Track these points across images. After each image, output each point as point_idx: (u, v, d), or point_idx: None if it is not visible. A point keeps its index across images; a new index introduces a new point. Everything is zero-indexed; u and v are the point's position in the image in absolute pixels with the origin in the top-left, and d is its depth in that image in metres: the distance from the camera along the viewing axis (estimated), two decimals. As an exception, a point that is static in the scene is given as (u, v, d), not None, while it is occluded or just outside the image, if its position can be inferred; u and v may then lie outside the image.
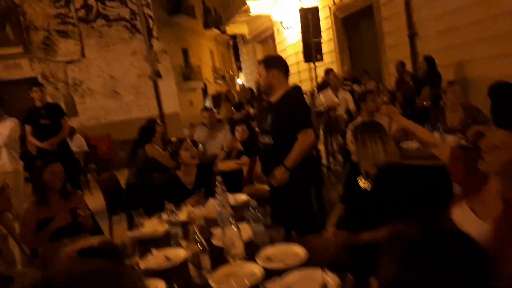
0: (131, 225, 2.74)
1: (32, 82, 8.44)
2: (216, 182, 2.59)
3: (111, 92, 8.99)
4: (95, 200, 4.99)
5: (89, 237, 2.68)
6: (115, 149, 8.13)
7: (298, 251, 1.86)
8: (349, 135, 3.35)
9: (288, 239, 2.16)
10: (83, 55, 8.68)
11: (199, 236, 1.77)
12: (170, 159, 4.47)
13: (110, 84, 8.95)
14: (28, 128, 5.10)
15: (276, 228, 2.09)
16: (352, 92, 6.61)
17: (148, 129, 4.37)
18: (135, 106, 9.10)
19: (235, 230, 1.88)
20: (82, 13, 8.67)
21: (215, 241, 2.11)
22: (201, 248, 1.77)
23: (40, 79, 8.55)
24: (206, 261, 1.76)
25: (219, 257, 1.87)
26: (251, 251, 1.91)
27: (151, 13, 9.09)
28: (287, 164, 2.65)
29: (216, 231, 2.19)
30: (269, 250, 1.89)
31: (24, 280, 2.16)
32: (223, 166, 4.10)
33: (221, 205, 2.28)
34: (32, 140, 5.12)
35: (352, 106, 6.07)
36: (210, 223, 2.37)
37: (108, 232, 4.13)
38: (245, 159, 4.13)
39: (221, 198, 2.41)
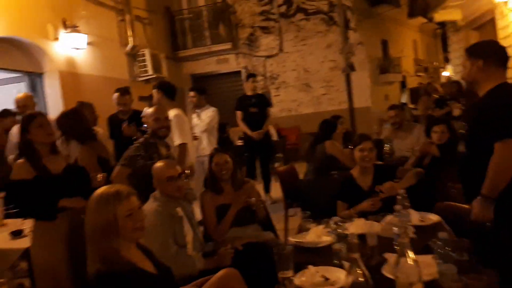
0: (299, 227, 2.55)
1: (235, 75, 9.39)
2: (398, 196, 2.15)
3: (304, 85, 9.16)
4: (277, 190, 5.09)
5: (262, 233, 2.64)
6: (303, 140, 8.25)
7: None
8: None
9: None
10: (281, 49, 9.09)
11: (362, 267, 1.41)
12: (351, 158, 4.13)
13: (303, 77, 9.13)
14: (239, 114, 5.60)
15: (477, 272, 1.53)
16: None
17: (329, 124, 4.14)
18: (326, 99, 9.04)
19: (414, 266, 1.44)
20: (283, 9, 9.06)
21: (386, 271, 1.70)
22: (363, 281, 1.41)
23: (243, 72, 9.37)
24: (368, 299, 1.39)
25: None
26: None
27: (350, 5, 8.81)
28: (484, 191, 1.97)
29: (390, 258, 1.77)
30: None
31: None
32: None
33: (401, 226, 1.83)
34: (243, 126, 5.59)
35: None
36: (384, 244, 1.96)
37: (284, 224, 4.10)
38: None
39: (402, 217, 1.97)
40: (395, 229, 1.89)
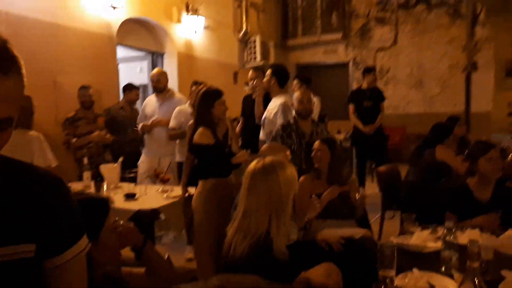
0: (401, 230, 2.40)
1: (342, 67, 9.11)
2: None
3: (416, 82, 8.52)
4: (374, 190, 4.88)
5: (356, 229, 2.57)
6: (408, 142, 7.75)
7: None
8: None
9: None
10: (395, 42, 8.54)
11: (479, 278, 1.26)
12: (464, 164, 3.76)
13: (417, 73, 8.48)
14: (351, 107, 5.56)
15: None
16: None
17: (444, 128, 3.81)
18: (439, 100, 8.30)
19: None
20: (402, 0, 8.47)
21: (504, 290, 1.51)
22: (478, 293, 1.27)
23: (351, 64, 9.06)
24: (482, 316, 1.25)
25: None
26: None
27: (481, -3, 7.92)
28: None
29: (509, 276, 1.58)
30: None
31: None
32: None
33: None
34: (355, 119, 5.54)
35: None
36: (503, 261, 1.76)
37: (379, 225, 3.93)
38: None
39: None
40: (519, 246, 1.68)
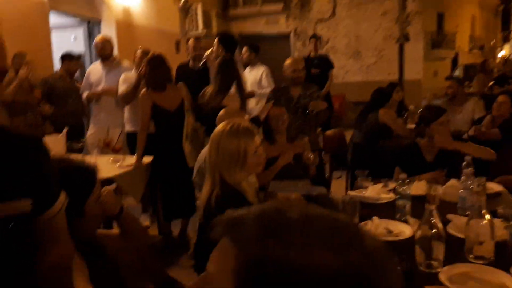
0: (352, 186, 2.58)
1: (284, 37, 9.22)
2: (465, 161, 2.12)
3: (354, 52, 8.89)
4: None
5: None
6: (347, 109, 8.12)
7: None
8: None
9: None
10: (334, 13, 8.79)
11: (437, 219, 1.42)
12: (405, 127, 4.06)
13: (354, 44, 8.84)
14: None
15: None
16: None
17: (383, 93, 4.05)
18: (375, 69, 8.76)
19: (487, 223, 1.45)
20: (340, -30, 8.69)
21: (452, 230, 1.71)
22: (435, 233, 1.43)
23: (292, 35, 9.18)
24: (440, 250, 1.41)
25: (452, 250, 1.50)
26: (501, 257, 1.45)
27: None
28: None
29: (455, 219, 1.78)
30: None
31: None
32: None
33: (467, 190, 1.82)
34: None
35: None
36: (447, 207, 1.97)
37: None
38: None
39: (468, 181, 1.95)
40: (462, 191, 1.89)
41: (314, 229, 0.48)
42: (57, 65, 4.85)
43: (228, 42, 3.88)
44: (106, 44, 4.10)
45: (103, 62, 4.12)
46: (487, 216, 1.45)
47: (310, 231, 0.48)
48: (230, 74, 3.38)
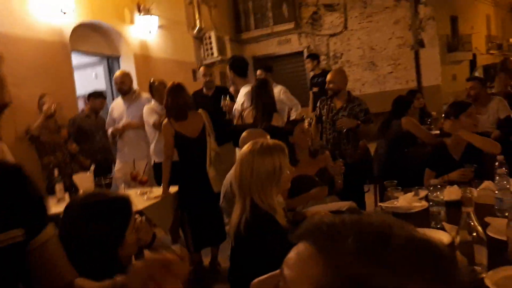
0: (383, 198, 2.54)
1: (297, 55, 9.31)
2: (497, 162, 2.07)
3: (369, 64, 8.86)
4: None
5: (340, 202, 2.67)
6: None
7: None
8: None
9: None
10: (345, 27, 8.83)
11: (476, 222, 1.38)
12: (429, 133, 3.99)
13: (369, 55, 8.83)
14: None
15: None
16: None
17: (404, 101, 4.02)
18: (392, 78, 8.69)
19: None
20: (348, -15, 8.77)
21: (492, 232, 1.65)
22: (476, 237, 1.38)
23: (305, 52, 9.25)
24: (482, 254, 1.36)
25: (495, 253, 1.44)
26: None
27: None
28: None
29: (494, 221, 1.72)
30: None
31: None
32: None
33: (504, 190, 1.77)
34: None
35: None
36: (483, 210, 1.91)
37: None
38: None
39: (503, 181, 1.89)
40: (498, 192, 1.83)
41: (416, 256, 0.46)
42: (80, 103, 5.03)
43: (237, 65, 3.95)
44: (125, 79, 4.23)
45: (123, 97, 4.24)
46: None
47: (413, 258, 0.45)
48: (269, 95, 3.59)
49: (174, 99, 3.26)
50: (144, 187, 3.43)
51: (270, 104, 3.57)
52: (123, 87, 4.20)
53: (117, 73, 4.35)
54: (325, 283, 0.44)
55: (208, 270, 3.45)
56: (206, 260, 3.51)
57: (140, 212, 2.95)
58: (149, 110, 3.90)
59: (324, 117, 3.75)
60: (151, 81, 4.03)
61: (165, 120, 3.33)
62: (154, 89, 3.92)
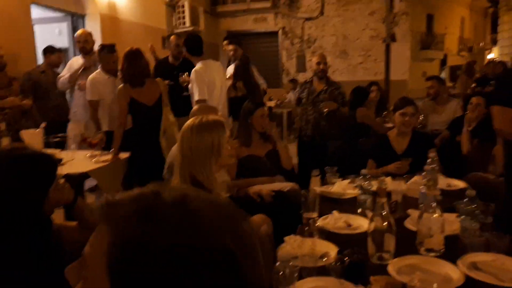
0: (323, 182, 2.61)
1: (272, 35, 9.24)
2: (429, 158, 2.16)
3: (340, 52, 8.92)
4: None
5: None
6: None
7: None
8: None
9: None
10: (322, 12, 8.80)
11: (387, 211, 1.45)
12: (383, 125, 4.11)
13: (341, 43, 8.88)
14: None
15: (498, 234, 1.55)
16: None
17: (360, 92, 4.12)
18: (362, 69, 8.81)
19: (437, 217, 1.48)
20: (328, -30, 8.70)
21: (408, 224, 1.74)
22: (387, 226, 1.46)
23: (280, 33, 9.21)
24: (390, 242, 1.44)
25: (406, 243, 1.53)
26: (451, 250, 1.49)
27: (399, -29, 8.38)
28: None
29: (413, 213, 1.81)
30: (480, 256, 1.42)
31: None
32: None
33: (427, 185, 1.86)
34: None
35: None
36: (409, 202, 2.01)
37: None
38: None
39: (430, 177, 1.99)
40: (422, 186, 1.92)
41: (189, 212, 0.49)
42: (41, 59, 4.82)
43: (193, 45, 3.81)
44: (88, 37, 4.08)
45: (84, 56, 4.09)
46: (438, 210, 1.48)
47: (186, 214, 0.48)
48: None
49: (131, 65, 3.18)
50: (94, 150, 3.37)
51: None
52: (86, 46, 4.04)
53: (80, 31, 4.17)
54: (112, 250, 0.47)
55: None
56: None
57: (87, 175, 2.93)
58: (92, 83, 3.69)
59: (304, 99, 4.04)
60: (100, 47, 3.84)
61: (121, 86, 3.26)
62: (101, 57, 3.74)
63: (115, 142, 3.21)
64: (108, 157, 3.20)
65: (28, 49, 4.73)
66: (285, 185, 2.61)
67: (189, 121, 1.87)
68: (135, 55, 3.22)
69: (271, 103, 7.29)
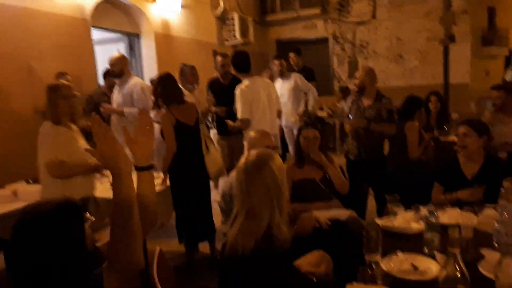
0: (381, 211, 2.49)
1: (322, 42, 9.07)
2: (503, 187, 1.98)
3: (395, 56, 8.56)
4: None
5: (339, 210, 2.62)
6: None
7: None
8: None
9: None
10: (373, 16, 8.50)
11: (459, 261, 1.33)
12: (415, 149, 3.64)
13: (396, 47, 8.52)
14: None
15: None
16: None
17: (412, 103, 3.78)
18: (418, 73, 8.39)
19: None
20: (379, -28, 8.39)
21: (483, 268, 1.60)
22: (459, 275, 1.34)
23: (330, 39, 9.02)
24: (464, 296, 1.32)
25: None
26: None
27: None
28: None
29: (488, 255, 1.66)
30: None
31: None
32: None
33: (504, 220, 1.70)
34: None
35: None
36: (481, 238, 1.84)
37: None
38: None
39: (505, 212, 1.81)
40: (497, 225, 1.76)
41: None
42: (101, 79, 5.07)
43: (240, 63, 3.87)
44: (116, 61, 4.12)
45: (117, 79, 4.19)
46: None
47: None
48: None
49: (165, 88, 3.24)
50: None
51: None
52: (113, 69, 4.12)
53: (113, 55, 4.22)
54: None
55: (208, 264, 3.43)
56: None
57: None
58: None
59: (352, 114, 3.86)
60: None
61: (163, 111, 3.27)
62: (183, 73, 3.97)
63: (164, 167, 3.24)
64: (159, 183, 3.22)
65: (89, 70, 4.98)
66: (343, 214, 2.51)
67: (239, 164, 1.67)
68: (167, 78, 3.30)
69: (323, 113, 7.16)
